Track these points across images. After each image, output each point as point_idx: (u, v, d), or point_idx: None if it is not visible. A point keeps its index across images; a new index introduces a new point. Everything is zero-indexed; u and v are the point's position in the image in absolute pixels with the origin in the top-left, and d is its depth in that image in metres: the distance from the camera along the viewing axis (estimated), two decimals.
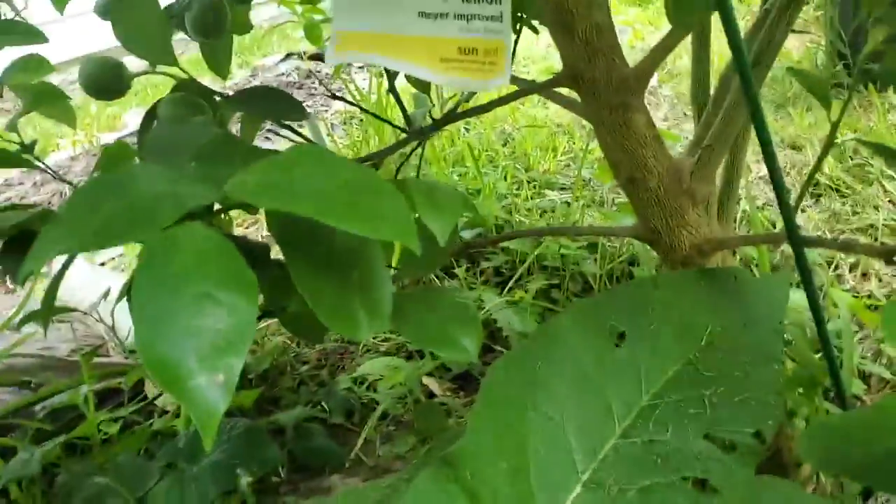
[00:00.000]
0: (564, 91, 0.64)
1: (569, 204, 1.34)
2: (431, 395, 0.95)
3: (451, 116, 0.52)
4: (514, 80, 0.71)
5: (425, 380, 0.95)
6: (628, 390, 0.52)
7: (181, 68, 0.54)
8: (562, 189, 1.45)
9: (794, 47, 2.19)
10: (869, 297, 1.02)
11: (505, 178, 1.48)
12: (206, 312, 0.27)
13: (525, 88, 0.64)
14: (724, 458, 0.49)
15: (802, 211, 1.26)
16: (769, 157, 0.52)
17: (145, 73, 0.59)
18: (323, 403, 0.95)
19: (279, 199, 0.32)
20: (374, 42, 0.38)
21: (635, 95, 0.59)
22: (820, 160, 0.58)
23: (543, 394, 0.52)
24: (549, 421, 0.51)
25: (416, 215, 0.43)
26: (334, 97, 0.63)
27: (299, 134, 0.65)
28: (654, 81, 2.06)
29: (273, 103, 0.56)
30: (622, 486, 0.45)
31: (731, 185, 0.68)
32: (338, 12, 0.41)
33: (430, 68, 0.35)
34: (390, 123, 0.75)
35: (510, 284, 1.09)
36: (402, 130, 0.54)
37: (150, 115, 0.62)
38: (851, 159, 1.33)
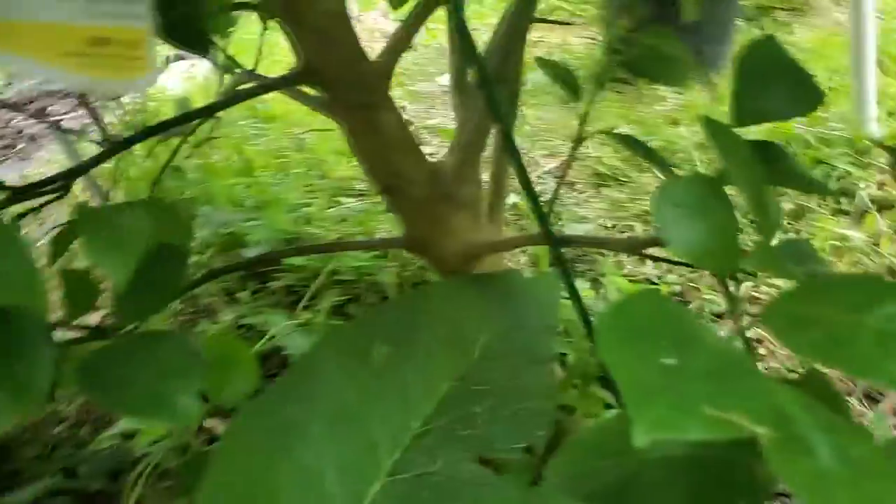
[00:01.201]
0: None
1: (367, 212, 1.28)
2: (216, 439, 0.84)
3: (160, 125, 0.43)
4: (251, 76, 0.63)
5: (208, 422, 0.84)
6: (396, 420, 0.46)
7: None
8: (360, 195, 1.39)
9: (578, 43, 2.32)
10: (646, 281, 1.07)
11: (302, 187, 1.39)
12: None
13: (261, 85, 0.56)
14: (496, 481, 0.45)
15: (587, 202, 1.31)
16: (514, 159, 0.49)
17: None
18: (80, 468, 0.80)
19: None
20: None
21: (379, 93, 0.54)
22: (573, 151, 0.56)
23: (298, 439, 0.44)
24: (304, 471, 0.44)
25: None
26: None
27: None
28: None
29: None
30: None
31: (499, 186, 0.66)
32: None
33: (57, 64, 0.27)
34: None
35: (303, 303, 1.01)
36: (99, 144, 0.44)
37: None
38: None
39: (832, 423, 0.23)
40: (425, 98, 2.01)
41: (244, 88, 0.56)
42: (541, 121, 1.71)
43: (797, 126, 1.37)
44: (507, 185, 0.67)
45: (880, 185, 1.22)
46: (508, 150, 0.47)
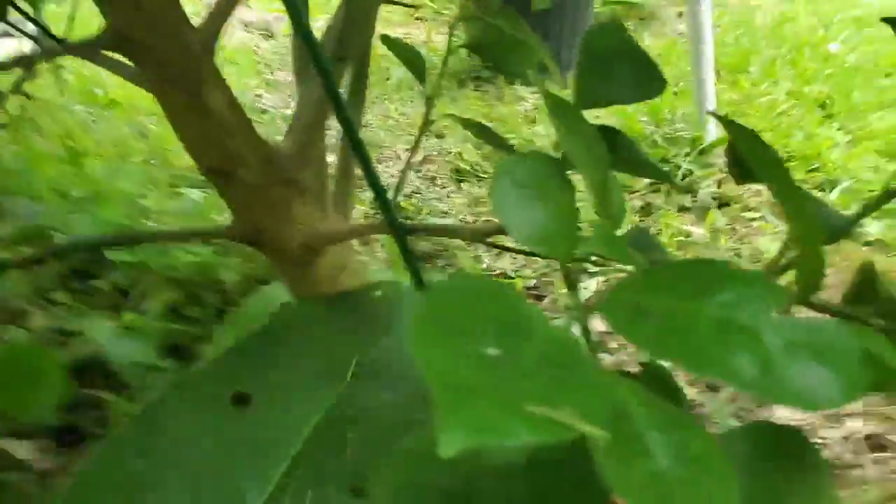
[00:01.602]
0: None
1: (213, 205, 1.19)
2: (11, 465, 0.73)
3: None
4: (60, 44, 0.55)
5: (5, 443, 0.72)
6: (263, 463, 0.41)
7: None
8: (206, 187, 1.28)
9: (442, 40, 2.32)
10: (503, 275, 1.07)
11: (141, 178, 1.26)
12: None
13: (55, 49, 0.48)
14: None
15: (448, 197, 1.30)
16: (353, 142, 0.45)
17: None
18: None
19: None
20: None
21: (205, 67, 0.47)
22: (420, 135, 0.53)
23: (153, 498, 0.39)
24: None
25: None
26: None
27: None
28: None
29: None
30: None
31: (346, 173, 0.61)
32: None
33: None
34: None
35: (131, 304, 0.90)
36: None
37: None
38: (487, 147, 1.41)
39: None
40: (284, 87, 1.92)
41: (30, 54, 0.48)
42: (404, 116, 1.68)
43: (645, 126, 1.44)
44: (355, 172, 0.63)
45: (719, 184, 1.30)
46: (347, 133, 0.43)
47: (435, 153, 1.41)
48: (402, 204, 1.20)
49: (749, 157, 0.27)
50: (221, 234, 0.56)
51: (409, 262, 0.48)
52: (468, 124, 0.50)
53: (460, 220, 1.23)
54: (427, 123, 0.52)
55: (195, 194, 1.22)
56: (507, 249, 0.54)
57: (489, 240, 0.49)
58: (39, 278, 0.95)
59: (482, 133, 0.49)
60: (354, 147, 0.45)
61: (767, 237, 1.19)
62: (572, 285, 0.29)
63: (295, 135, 0.54)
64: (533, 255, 0.71)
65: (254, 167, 0.51)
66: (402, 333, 0.52)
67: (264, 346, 0.49)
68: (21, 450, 0.72)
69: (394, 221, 0.49)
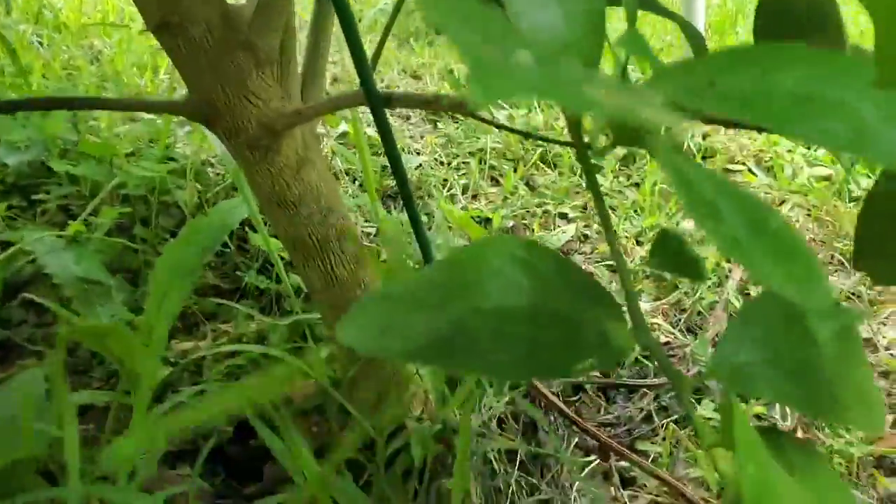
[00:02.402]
0: None
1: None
2: None
3: None
4: None
5: None
6: None
7: None
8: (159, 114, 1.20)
9: None
10: (479, 217, 1.02)
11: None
12: None
13: None
14: None
15: (422, 137, 1.24)
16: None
17: None
18: None
19: None
20: None
21: None
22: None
23: None
24: None
25: None
26: None
27: None
28: None
29: None
30: None
31: (317, 50, 0.55)
32: None
33: None
34: None
35: (80, 219, 0.83)
36: None
37: None
38: (464, 86, 1.36)
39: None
40: None
41: None
42: None
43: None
44: (328, 52, 0.57)
45: (704, 136, 1.27)
46: None
47: (411, 90, 1.34)
48: (373, 139, 1.14)
49: None
50: (173, 109, 0.49)
51: (383, 132, 0.43)
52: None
53: (435, 160, 1.17)
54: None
55: (146, 118, 1.14)
56: (479, 120, 0.49)
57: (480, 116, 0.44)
58: None
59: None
60: (337, 7, 0.40)
61: (751, 189, 1.16)
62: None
63: None
64: (509, 128, 0.65)
65: (207, 25, 0.45)
66: None
67: None
68: None
69: (372, 91, 0.43)
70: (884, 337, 0.87)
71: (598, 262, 0.98)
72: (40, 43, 1.41)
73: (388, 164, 1.04)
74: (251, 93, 0.48)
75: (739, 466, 0.17)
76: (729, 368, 0.27)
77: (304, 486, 0.56)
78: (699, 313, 0.89)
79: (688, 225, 1.06)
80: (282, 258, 0.77)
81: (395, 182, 1.10)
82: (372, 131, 1.21)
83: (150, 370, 0.67)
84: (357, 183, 1.08)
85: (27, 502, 0.49)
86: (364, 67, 0.44)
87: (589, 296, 0.28)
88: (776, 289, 0.14)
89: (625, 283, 0.29)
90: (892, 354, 0.83)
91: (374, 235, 0.95)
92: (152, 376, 0.54)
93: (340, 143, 1.12)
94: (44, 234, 0.76)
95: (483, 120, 0.47)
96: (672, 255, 0.33)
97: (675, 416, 0.74)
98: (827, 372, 0.25)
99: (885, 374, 0.81)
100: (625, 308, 0.28)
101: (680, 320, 0.88)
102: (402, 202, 0.53)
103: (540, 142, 1.20)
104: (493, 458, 0.66)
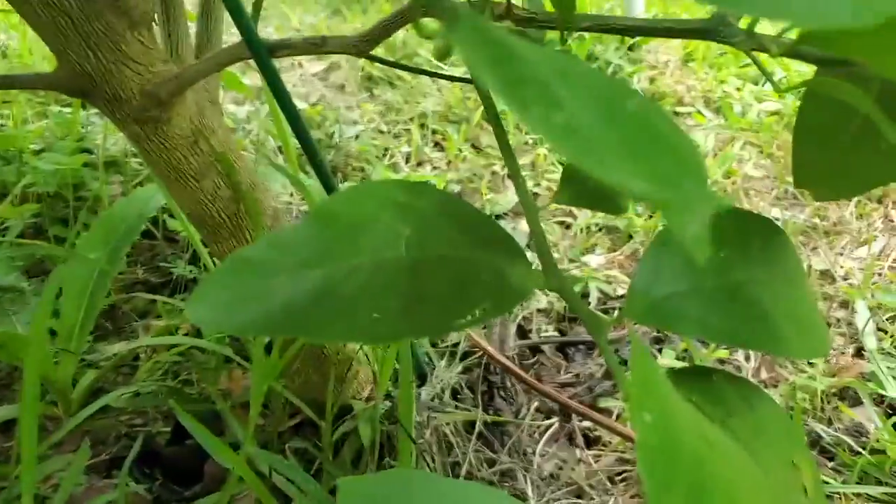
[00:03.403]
0: None
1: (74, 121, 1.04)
2: None
3: None
4: None
5: None
6: None
7: None
8: (69, 105, 1.13)
9: None
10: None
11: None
12: None
13: None
14: None
15: (358, 106, 1.19)
16: None
17: None
18: None
19: None
20: None
21: None
22: None
23: None
24: None
25: None
26: None
27: None
28: None
29: None
30: None
31: (209, 11, 0.50)
32: None
33: None
34: None
35: None
36: None
37: None
38: (400, 52, 1.30)
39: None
40: None
41: None
42: (308, 25, 1.54)
43: None
44: (221, 16, 0.52)
45: (652, 80, 1.24)
46: None
47: (343, 60, 1.29)
48: (308, 111, 1.09)
49: None
50: (42, 82, 0.44)
51: (270, 82, 0.39)
52: None
53: (374, 129, 1.12)
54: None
55: (56, 110, 1.07)
56: (382, 62, 0.45)
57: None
58: None
59: None
60: None
61: (701, 130, 1.14)
62: None
63: None
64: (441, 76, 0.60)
65: None
66: None
67: None
68: None
69: (255, 40, 0.39)
70: (841, 267, 0.85)
71: (548, 219, 0.94)
72: None
73: (323, 137, 0.99)
74: (128, 58, 0.43)
75: (633, 418, 0.13)
76: (645, 304, 0.23)
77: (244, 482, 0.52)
78: None
79: None
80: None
81: (331, 157, 1.05)
82: (304, 104, 1.16)
83: (66, 377, 0.63)
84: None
85: None
86: (243, 16, 0.39)
87: (484, 238, 0.24)
88: (635, 191, 0.11)
89: (531, 222, 0.25)
90: (850, 284, 0.82)
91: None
92: (35, 398, 0.47)
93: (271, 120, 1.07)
94: None
95: (382, 60, 0.43)
96: (584, 188, 0.29)
97: None
98: (761, 299, 0.22)
99: (844, 304, 0.79)
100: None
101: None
102: (316, 172, 0.49)
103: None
104: (448, 432, 0.62)
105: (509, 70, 0.11)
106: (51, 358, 0.62)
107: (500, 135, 0.25)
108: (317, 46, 0.37)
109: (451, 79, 0.43)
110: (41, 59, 1.20)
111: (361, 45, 0.37)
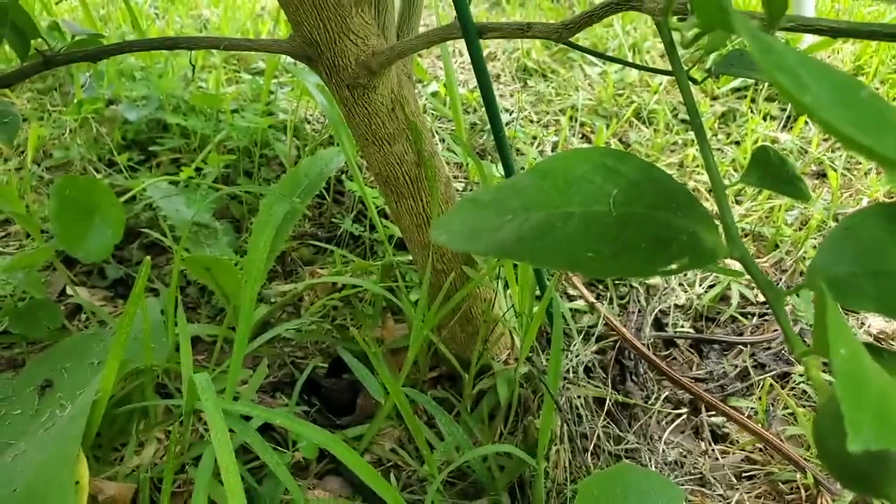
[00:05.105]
0: None
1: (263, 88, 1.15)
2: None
3: None
4: None
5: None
6: None
7: None
8: (261, 73, 1.25)
9: None
10: None
11: (199, 63, 1.24)
12: None
13: None
14: None
15: (511, 95, 1.23)
16: None
17: None
18: None
19: None
20: None
21: None
22: None
23: None
24: None
25: None
26: None
27: None
28: None
29: None
30: None
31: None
32: None
33: None
34: None
35: (193, 167, 0.89)
36: None
37: None
38: (555, 45, 1.33)
39: None
40: None
41: None
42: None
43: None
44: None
45: None
46: None
47: (500, 51, 1.33)
48: (466, 96, 1.15)
49: None
50: (277, 47, 0.52)
51: (478, 68, 0.44)
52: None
53: (525, 118, 1.16)
54: None
55: (249, 78, 1.19)
56: (584, 50, 0.49)
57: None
58: (102, 146, 0.94)
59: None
60: None
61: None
62: None
63: None
64: (614, 60, 0.63)
65: None
66: None
67: None
68: (85, 294, 0.72)
69: (469, 23, 0.44)
70: None
71: None
72: (157, 14, 1.50)
73: (477, 122, 1.04)
74: (351, 31, 0.49)
75: (831, 350, 0.17)
76: (826, 278, 0.26)
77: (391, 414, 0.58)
78: (801, 273, 0.85)
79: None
80: (376, 206, 0.79)
81: (483, 140, 1.10)
82: (463, 90, 1.22)
83: (249, 303, 0.72)
84: (445, 144, 1.09)
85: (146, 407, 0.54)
86: (463, 4, 0.44)
87: (680, 203, 0.28)
88: (864, 156, 0.14)
89: (718, 198, 0.28)
90: None
91: (464, 190, 0.96)
92: (251, 310, 0.57)
93: (429, 104, 1.14)
94: (158, 180, 0.82)
95: (579, 48, 0.47)
96: (771, 170, 0.32)
97: (774, 373, 0.72)
98: None
99: None
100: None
101: (781, 279, 0.84)
102: (497, 145, 0.53)
103: (634, 98, 1.17)
104: (579, 405, 0.66)
105: (776, 59, 0.14)
106: (236, 283, 0.72)
107: (697, 127, 0.28)
108: (522, 31, 0.42)
109: (652, 70, 0.46)
110: (235, 32, 1.34)
111: (564, 32, 0.41)
